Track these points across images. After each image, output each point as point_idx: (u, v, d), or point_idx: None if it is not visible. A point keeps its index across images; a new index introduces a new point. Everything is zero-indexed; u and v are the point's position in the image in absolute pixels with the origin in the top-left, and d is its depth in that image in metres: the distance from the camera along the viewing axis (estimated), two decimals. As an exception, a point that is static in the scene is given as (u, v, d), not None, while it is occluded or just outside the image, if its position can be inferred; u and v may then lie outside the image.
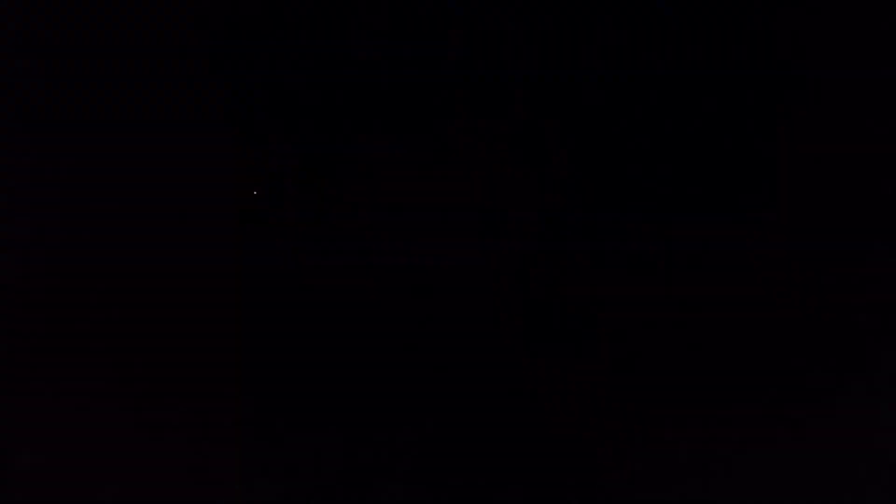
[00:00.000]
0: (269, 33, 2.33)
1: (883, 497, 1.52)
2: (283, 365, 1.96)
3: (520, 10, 2.10)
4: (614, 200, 1.99)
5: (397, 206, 2.19)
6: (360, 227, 2.61)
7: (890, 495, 1.52)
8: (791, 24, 1.99)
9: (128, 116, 2.51)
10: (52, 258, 2.24)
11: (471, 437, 1.73)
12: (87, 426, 1.75)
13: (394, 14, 2.22)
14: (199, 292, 2.26)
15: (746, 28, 2.02)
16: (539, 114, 2.07)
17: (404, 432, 1.69)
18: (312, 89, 2.43)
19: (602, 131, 2.02)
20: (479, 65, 2.13)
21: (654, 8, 2.04)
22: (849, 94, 1.96)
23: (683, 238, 1.99)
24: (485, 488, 1.61)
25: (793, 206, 1.96)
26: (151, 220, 2.64)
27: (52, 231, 2.49)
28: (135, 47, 2.44)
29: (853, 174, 1.93)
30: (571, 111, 2.05)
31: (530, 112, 2.08)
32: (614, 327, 1.96)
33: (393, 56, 2.22)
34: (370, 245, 2.37)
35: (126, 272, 2.34)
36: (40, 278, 2.28)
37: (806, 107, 1.96)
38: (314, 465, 1.65)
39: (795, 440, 1.62)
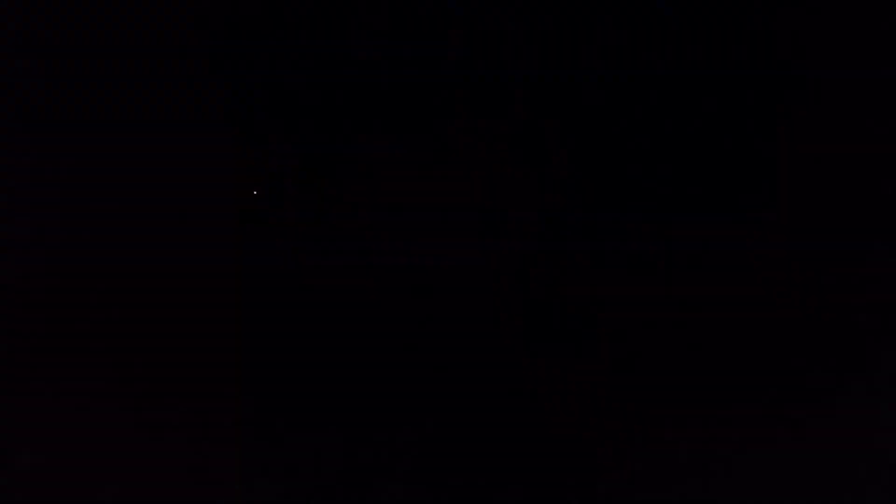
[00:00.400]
0: (269, 33, 2.33)
1: (883, 497, 1.53)
2: (283, 365, 1.96)
3: (520, 10, 2.10)
4: (614, 200, 2.00)
5: (397, 206, 2.19)
6: (360, 227, 2.62)
7: (890, 495, 1.52)
8: (791, 24, 1.99)
9: (127, 116, 2.52)
10: (52, 258, 2.25)
11: (471, 437, 1.73)
12: (88, 426, 1.75)
13: (394, 14, 2.22)
14: (200, 292, 2.26)
15: (746, 28, 2.02)
16: (539, 114, 2.07)
17: (404, 432, 1.69)
18: (312, 89, 2.44)
19: (602, 131, 2.03)
20: (479, 65, 2.13)
21: (655, 8, 2.04)
22: (849, 94, 1.96)
23: (683, 238, 1.99)
24: (485, 488, 1.61)
25: (793, 206, 1.96)
26: (151, 220, 2.65)
27: (52, 231, 2.49)
28: (134, 47, 2.44)
29: (853, 174, 1.93)
30: (571, 111, 2.05)
31: (530, 112, 2.08)
32: (614, 327, 1.97)
33: (393, 56, 2.22)
34: (370, 245, 2.37)
35: (126, 272, 2.34)
36: (40, 278, 2.28)
37: (806, 107, 1.96)
38: (314, 465, 1.65)
39: (795, 440, 1.62)
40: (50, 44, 2.23)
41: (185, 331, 2.12)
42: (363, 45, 2.24)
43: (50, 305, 2.16)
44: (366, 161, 2.17)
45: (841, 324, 1.88)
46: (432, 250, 2.16)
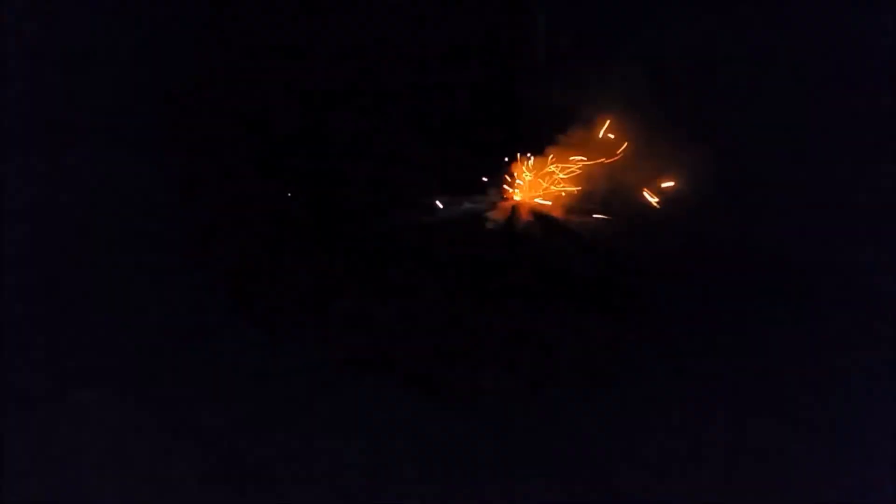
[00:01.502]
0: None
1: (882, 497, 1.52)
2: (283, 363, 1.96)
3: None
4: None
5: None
6: (361, 231, 2.61)
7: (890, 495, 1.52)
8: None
9: (133, 121, 2.52)
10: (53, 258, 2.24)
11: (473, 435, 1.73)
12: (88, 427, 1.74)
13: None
14: (202, 290, 2.26)
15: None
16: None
17: (409, 431, 1.67)
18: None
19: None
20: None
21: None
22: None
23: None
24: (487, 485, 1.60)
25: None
26: (152, 220, 2.64)
27: (52, 231, 2.49)
28: (137, 53, 2.45)
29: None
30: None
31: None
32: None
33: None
34: (366, 242, 2.37)
35: (125, 271, 2.34)
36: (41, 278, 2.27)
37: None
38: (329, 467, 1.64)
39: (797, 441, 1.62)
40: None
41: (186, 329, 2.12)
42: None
43: (50, 305, 2.16)
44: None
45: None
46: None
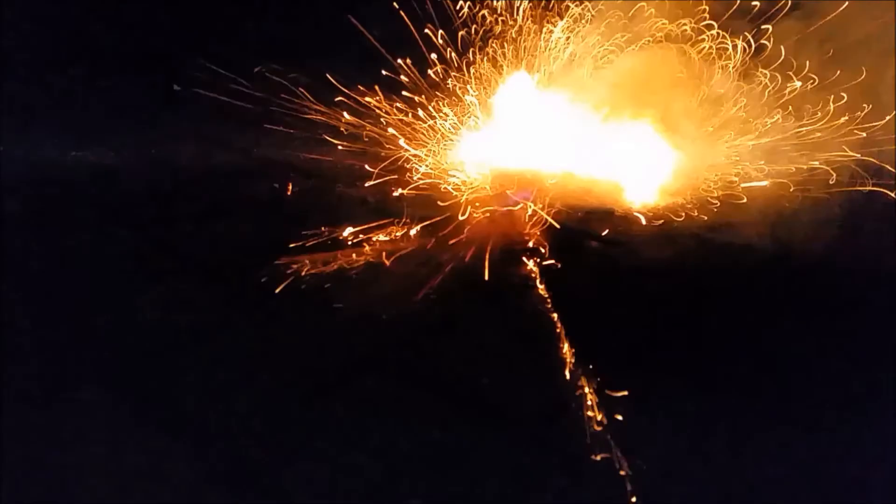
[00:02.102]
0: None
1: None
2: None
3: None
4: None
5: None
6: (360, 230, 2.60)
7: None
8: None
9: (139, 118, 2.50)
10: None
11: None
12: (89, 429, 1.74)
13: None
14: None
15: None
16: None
17: (410, 432, 1.67)
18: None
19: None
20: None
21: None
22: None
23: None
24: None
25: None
26: (152, 219, 2.63)
27: (52, 231, 2.48)
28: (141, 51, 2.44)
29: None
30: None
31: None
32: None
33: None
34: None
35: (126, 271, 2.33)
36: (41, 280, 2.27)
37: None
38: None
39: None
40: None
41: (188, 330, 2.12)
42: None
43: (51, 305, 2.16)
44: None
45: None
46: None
